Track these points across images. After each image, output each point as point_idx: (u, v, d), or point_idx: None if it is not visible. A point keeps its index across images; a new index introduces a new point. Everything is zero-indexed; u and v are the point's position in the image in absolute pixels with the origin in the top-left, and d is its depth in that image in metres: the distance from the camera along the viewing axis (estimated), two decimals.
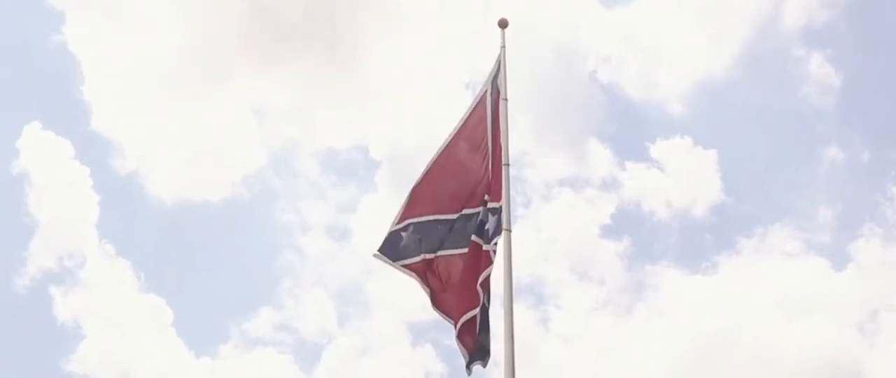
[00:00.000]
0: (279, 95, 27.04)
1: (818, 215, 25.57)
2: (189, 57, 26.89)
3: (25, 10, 27.78)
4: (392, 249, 9.87)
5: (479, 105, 10.32)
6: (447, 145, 10.21)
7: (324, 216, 26.45)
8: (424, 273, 9.78)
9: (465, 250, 9.61)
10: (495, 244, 9.46)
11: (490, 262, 9.38)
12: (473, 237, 9.62)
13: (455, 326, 9.43)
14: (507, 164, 9.82)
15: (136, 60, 26.79)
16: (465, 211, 9.82)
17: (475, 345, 9.33)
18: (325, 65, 27.22)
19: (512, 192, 9.86)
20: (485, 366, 9.39)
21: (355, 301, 25.48)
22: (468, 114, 10.30)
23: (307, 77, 27.24)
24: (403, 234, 9.86)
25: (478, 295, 9.31)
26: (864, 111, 27.37)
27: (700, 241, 25.87)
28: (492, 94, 10.32)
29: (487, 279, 9.35)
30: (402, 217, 9.94)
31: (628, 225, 25.53)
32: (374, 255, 9.89)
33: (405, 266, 9.82)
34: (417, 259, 9.80)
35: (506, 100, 10.17)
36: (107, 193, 25.39)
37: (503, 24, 10.62)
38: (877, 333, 23.27)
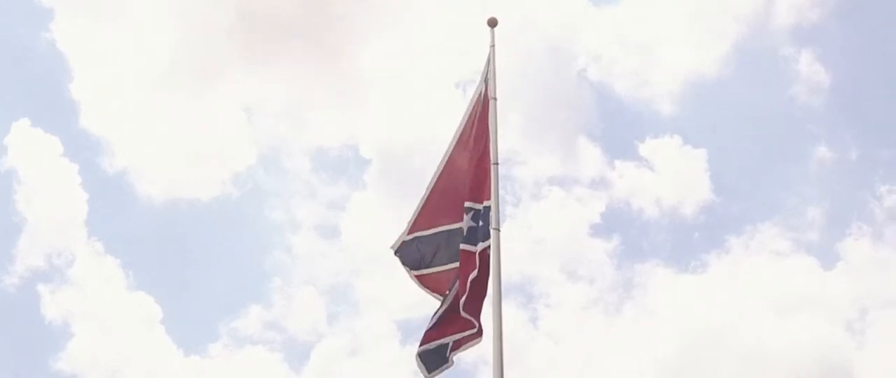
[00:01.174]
0: (270, 94, 27.04)
1: (807, 214, 25.67)
2: (179, 55, 26.87)
3: (14, 7, 27.74)
4: (405, 255, 9.93)
5: (473, 107, 10.32)
6: (450, 153, 10.18)
7: (314, 214, 26.45)
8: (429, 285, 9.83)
9: (457, 265, 9.58)
10: (486, 244, 9.44)
11: (475, 266, 9.34)
12: (462, 246, 9.62)
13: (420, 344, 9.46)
14: (496, 163, 9.82)
15: (125, 58, 26.76)
16: (455, 225, 9.82)
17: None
18: (316, 63, 27.21)
19: (501, 191, 9.87)
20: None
21: (345, 300, 25.50)
22: (465, 117, 10.29)
23: (298, 75, 27.24)
24: (419, 246, 9.89)
25: (467, 321, 9.26)
26: (854, 110, 27.48)
27: (689, 240, 25.94)
28: (483, 93, 10.32)
29: (474, 303, 9.28)
30: (413, 228, 9.95)
31: (618, 224, 25.60)
32: (401, 263, 9.92)
33: (418, 277, 9.87)
34: (427, 271, 9.85)
35: (495, 99, 10.16)
36: (96, 191, 25.38)
37: (492, 22, 10.59)
38: (866, 332, 23.37)
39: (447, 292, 9.59)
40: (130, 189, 26.21)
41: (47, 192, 25.35)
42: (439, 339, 9.40)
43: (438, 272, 9.78)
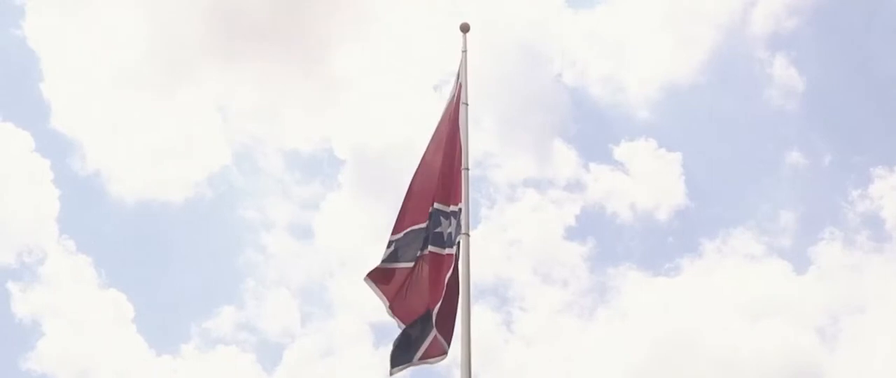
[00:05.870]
0: (244, 94, 26.92)
1: (780, 218, 25.80)
2: (151, 53, 26.69)
3: None
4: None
5: (447, 111, 10.32)
6: (424, 156, 10.21)
7: (287, 214, 26.36)
8: (383, 281, 9.81)
9: (411, 264, 9.69)
10: (457, 247, 9.45)
11: (450, 267, 9.36)
12: (431, 248, 9.64)
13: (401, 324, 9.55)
14: (467, 168, 9.82)
15: (97, 56, 26.56)
16: (421, 225, 9.81)
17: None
18: (291, 64, 27.10)
19: (474, 194, 9.88)
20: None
21: (318, 301, 25.42)
22: (440, 121, 10.29)
23: (272, 76, 27.12)
24: (388, 250, 9.91)
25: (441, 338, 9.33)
26: (827, 115, 27.67)
27: (663, 244, 26.00)
28: (455, 98, 10.32)
29: (447, 322, 9.30)
30: (390, 238, 9.98)
31: (592, 227, 25.62)
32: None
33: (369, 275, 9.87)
34: (382, 266, 9.83)
35: (466, 104, 10.16)
36: (67, 188, 25.19)
37: (465, 28, 10.59)
38: (837, 336, 23.51)
39: (401, 291, 9.67)
40: (103, 188, 26.08)
41: (18, 188, 25.21)
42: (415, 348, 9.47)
43: (393, 268, 9.80)
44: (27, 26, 26.09)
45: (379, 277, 9.79)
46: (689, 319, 23.84)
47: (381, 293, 9.76)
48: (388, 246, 9.87)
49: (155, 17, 26.70)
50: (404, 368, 9.52)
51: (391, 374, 9.54)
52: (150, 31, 26.78)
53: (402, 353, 9.51)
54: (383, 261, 9.83)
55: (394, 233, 9.94)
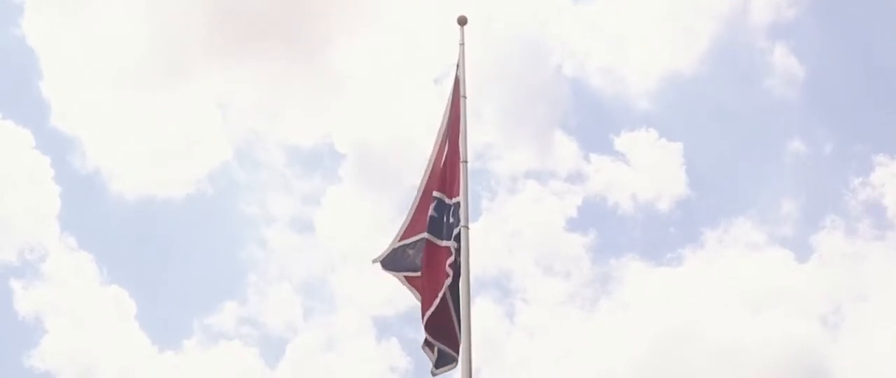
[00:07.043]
0: (244, 90, 26.92)
1: (782, 208, 25.81)
2: (151, 50, 26.69)
3: None
4: (394, 262, 9.88)
5: (449, 106, 10.31)
6: (433, 158, 10.15)
7: (289, 209, 26.39)
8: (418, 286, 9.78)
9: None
10: (456, 240, 9.44)
11: (444, 271, 9.34)
12: (426, 235, 9.64)
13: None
14: (465, 161, 9.80)
15: (97, 54, 26.55)
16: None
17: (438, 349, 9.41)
18: (291, 59, 27.09)
19: (474, 186, 9.86)
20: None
21: (320, 295, 25.46)
22: (444, 117, 10.27)
23: (272, 71, 27.12)
24: (410, 251, 9.83)
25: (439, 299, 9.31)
26: (828, 104, 27.68)
27: (665, 234, 26.02)
28: (454, 91, 10.32)
29: (450, 333, 9.29)
30: (407, 234, 9.90)
31: (594, 218, 25.64)
32: (377, 263, 9.88)
33: (407, 279, 9.82)
34: (417, 274, 9.78)
35: (465, 97, 10.15)
36: (68, 185, 25.24)
37: (462, 21, 10.56)
38: (839, 325, 23.53)
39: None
40: (103, 185, 26.12)
41: (19, 186, 25.24)
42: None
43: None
44: (26, 25, 26.14)
45: (418, 286, 9.73)
46: (692, 310, 23.89)
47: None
48: (412, 246, 9.80)
49: (155, 17, 26.72)
50: (449, 370, 9.47)
51: (434, 374, 9.51)
52: (150, 30, 26.82)
53: (445, 355, 9.45)
54: (414, 270, 9.77)
55: (408, 236, 9.88)
